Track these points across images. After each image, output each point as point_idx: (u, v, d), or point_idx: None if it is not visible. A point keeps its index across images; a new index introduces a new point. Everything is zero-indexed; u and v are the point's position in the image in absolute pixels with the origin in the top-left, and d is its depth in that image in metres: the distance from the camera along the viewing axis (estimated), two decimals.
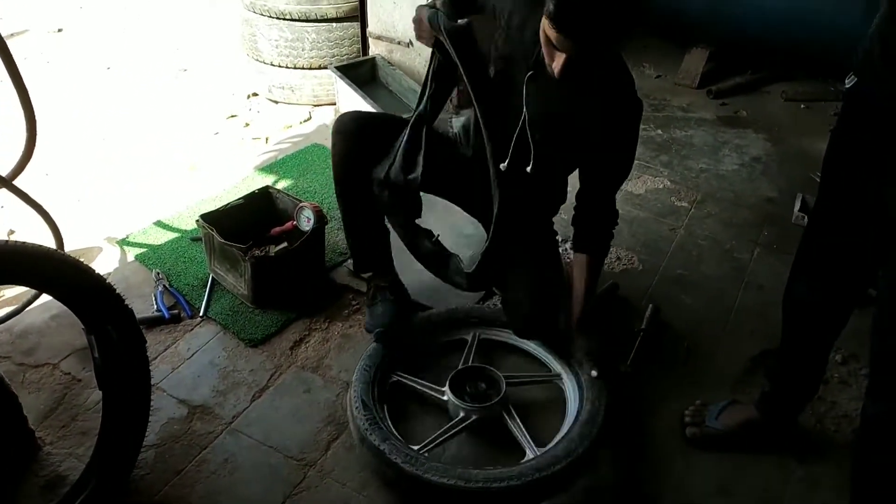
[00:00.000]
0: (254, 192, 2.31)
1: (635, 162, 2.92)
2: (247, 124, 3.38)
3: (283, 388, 1.94)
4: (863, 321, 2.18)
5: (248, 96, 3.62)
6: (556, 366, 1.97)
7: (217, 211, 2.21)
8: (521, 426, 1.79)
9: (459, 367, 1.91)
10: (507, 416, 1.81)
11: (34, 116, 1.73)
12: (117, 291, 1.59)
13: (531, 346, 2.03)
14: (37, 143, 1.78)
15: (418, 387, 1.90)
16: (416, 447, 1.69)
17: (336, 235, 2.48)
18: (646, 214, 2.69)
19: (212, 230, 2.10)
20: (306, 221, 2.21)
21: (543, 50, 1.46)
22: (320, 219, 2.18)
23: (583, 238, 1.92)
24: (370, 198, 1.91)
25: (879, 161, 1.32)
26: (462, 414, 1.80)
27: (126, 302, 1.60)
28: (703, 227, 2.64)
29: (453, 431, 1.77)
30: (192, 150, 3.06)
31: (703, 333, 2.18)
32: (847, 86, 1.37)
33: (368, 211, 1.98)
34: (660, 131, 3.24)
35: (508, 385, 1.86)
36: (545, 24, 1.38)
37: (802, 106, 3.51)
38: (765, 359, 2.11)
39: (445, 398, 1.83)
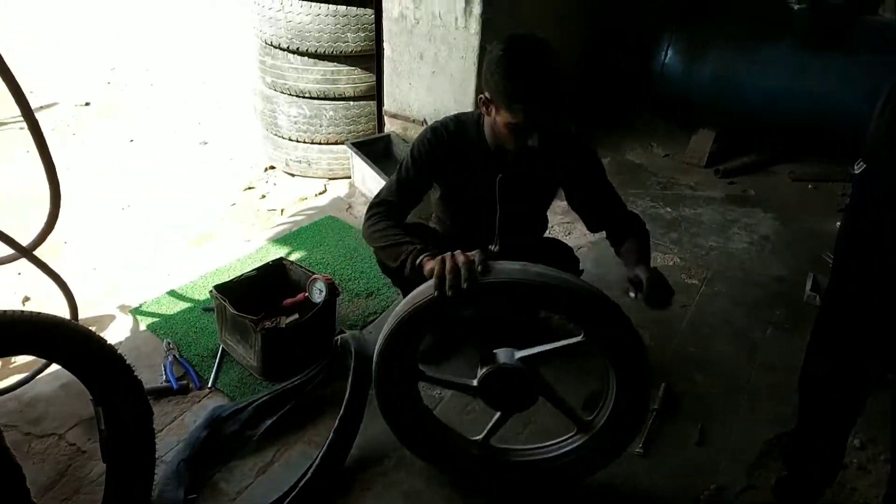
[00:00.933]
0: (267, 263, 2.35)
1: None
2: (263, 196, 3.46)
3: (289, 464, 1.91)
4: (881, 405, 2.16)
5: (266, 169, 3.72)
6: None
7: (230, 282, 2.24)
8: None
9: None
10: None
11: (59, 189, 1.79)
12: (127, 362, 1.60)
13: None
14: (59, 215, 1.83)
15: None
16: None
17: (347, 307, 2.49)
18: None
19: (224, 301, 2.12)
20: (318, 293, 2.23)
21: (510, 139, 1.78)
22: (332, 291, 2.20)
23: (621, 236, 1.96)
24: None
25: (891, 244, 1.34)
26: None
27: (135, 373, 1.60)
28: (714, 305, 2.63)
29: None
30: (209, 220, 3.13)
31: (716, 414, 2.15)
32: (856, 171, 1.40)
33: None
34: (669, 209, 3.28)
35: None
36: (512, 118, 1.70)
37: (810, 186, 3.56)
38: (780, 442, 2.07)
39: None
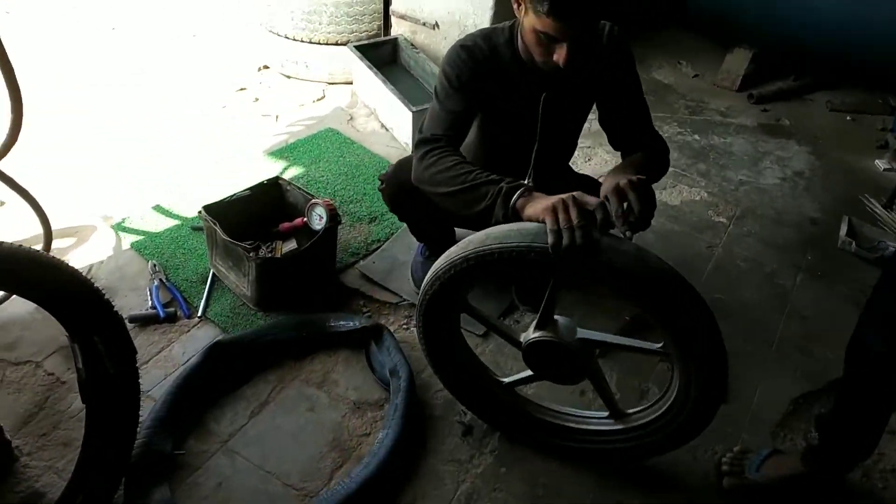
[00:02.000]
0: (262, 182, 2.13)
1: (671, 170, 2.78)
2: (256, 99, 3.18)
3: (285, 405, 1.77)
4: None
5: (259, 69, 3.42)
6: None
7: (221, 202, 2.03)
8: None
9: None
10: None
11: (19, 91, 1.53)
12: (105, 297, 1.42)
13: None
14: (24, 123, 1.59)
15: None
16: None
17: (348, 233, 2.30)
18: (681, 228, 2.50)
19: (215, 224, 1.92)
20: (318, 220, 2.03)
21: (536, 51, 1.50)
22: (333, 217, 2.00)
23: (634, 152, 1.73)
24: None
25: None
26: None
27: (115, 308, 1.42)
28: (743, 247, 2.46)
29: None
30: (199, 125, 2.87)
31: (741, 368, 2.01)
32: None
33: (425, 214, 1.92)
34: (697, 136, 3.04)
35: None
36: (538, 22, 1.42)
37: (848, 118, 3.31)
38: (807, 402, 1.95)
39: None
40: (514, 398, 1.72)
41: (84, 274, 1.37)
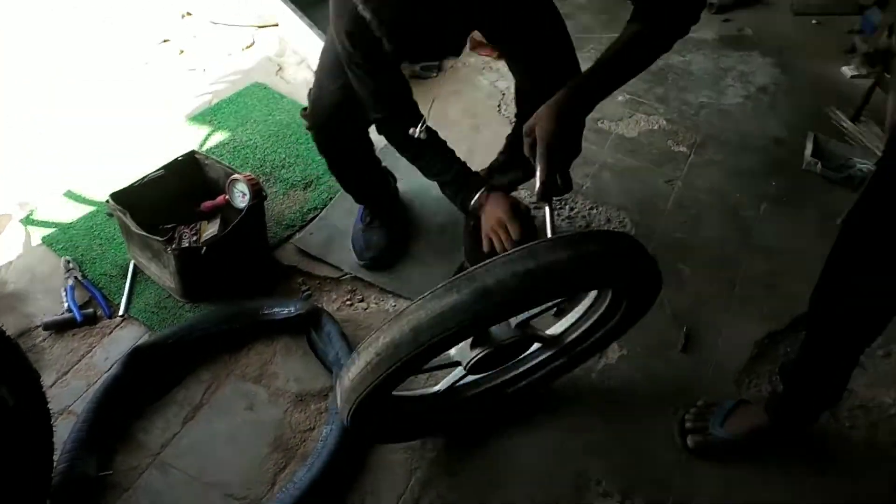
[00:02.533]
0: (177, 159, 1.93)
1: (627, 97, 2.60)
2: (181, 51, 2.92)
3: (221, 406, 1.66)
4: None
5: (183, 16, 3.12)
6: None
7: (132, 186, 1.84)
8: None
9: None
10: None
11: None
12: (13, 340, 1.27)
13: None
14: None
15: None
16: None
17: (282, 203, 2.13)
18: (639, 163, 2.35)
19: (124, 214, 1.74)
20: (241, 197, 1.86)
21: None
22: (257, 194, 1.83)
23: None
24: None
25: None
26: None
27: (5, 330, 1.27)
28: (704, 178, 2.31)
29: None
30: (117, 88, 2.61)
31: (703, 313, 1.91)
32: None
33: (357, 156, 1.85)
34: None
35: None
36: None
37: (814, 21, 3.09)
38: (774, 342, 1.87)
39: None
40: (450, 396, 1.57)
41: None
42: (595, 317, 1.46)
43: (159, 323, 1.79)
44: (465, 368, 1.37)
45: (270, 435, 1.61)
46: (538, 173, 1.26)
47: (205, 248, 1.74)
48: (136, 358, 1.64)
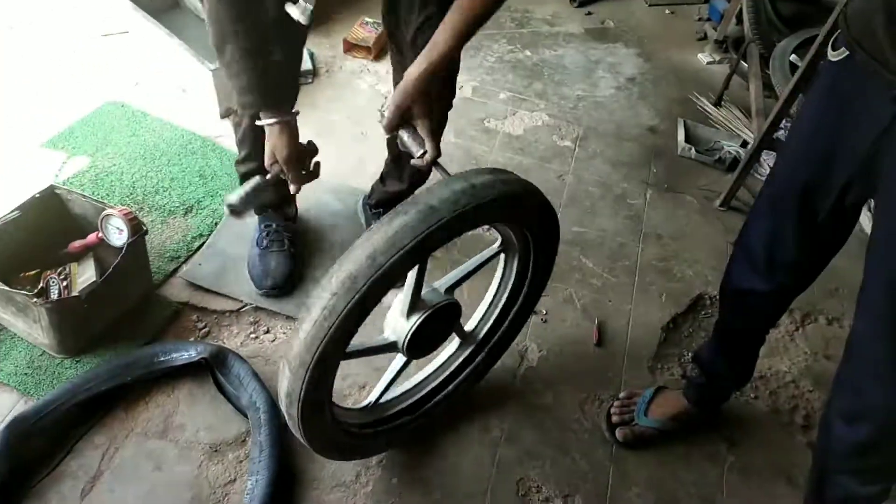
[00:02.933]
0: (34, 196, 1.68)
1: (508, 95, 2.62)
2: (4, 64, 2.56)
3: (123, 471, 1.47)
4: None
5: (11, 28, 2.75)
6: None
7: None
8: None
9: None
10: None
11: None
12: None
13: None
14: None
15: None
16: None
17: (161, 233, 1.93)
18: (529, 161, 2.37)
19: None
20: (117, 234, 1.66)
21: None
22: (136, 229, 1.64)
23: None
24: None
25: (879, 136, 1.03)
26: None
27: None
28: (592, 171, 2.38)
29: None
30: None
31: (610, 304, 1.97)
32: (834, 59, 1.08)
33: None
34: (528, 52, 2.87)
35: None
36: None
37: (668, 11, 3.28)
38: (677, 325, 1.96)
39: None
40: (379, 411, 1.52)
41: None
42: (510, 283, 1.51)
43: (35, 386, 1.56)
44: (402, 349, 1.34)
45: (186, 495, 1.45)
46: (429, 147, 1.23)
47: (84, 296, 1.53)
48: (16, 429, 1.42)
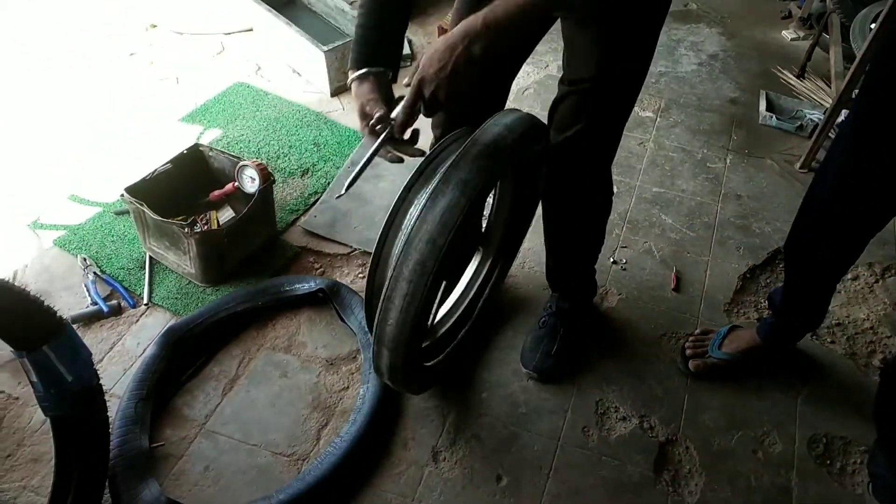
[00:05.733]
0: (182, 152, 2.00)
1: None
2: (151, 63, 2.95)
3: (256, 376, 1.74)
4: None
5: (147, 28, 3.16)
6: None
7: (143, 180, 1.90)
8: None
9: None
10: None
11: None
12: (46, 303, 1.33)
13: None
14: None
15: None
16: None
17: (283, 190, 2.21)
18: None
19: (142, 205, 1.81)
20: (250, 182, 1.94)
21: None
22: (266, 177, 1.92)
23: None
24: None
25: None
26: None
27: (58, 313, 1.34)
28: (672, 138, 2.50)
29: None
30: (95, 100, 2.65)
31: (688, 256, 2.09)
32: None
33: None
34: None
35: None
36: None
37: None
38: (754, 275, 2.05)
39: None
40: (433, 335, 1.67)
41: (10, 281, 1.27)
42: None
43: (184, 308, 1.86)
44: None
45: (308, 397, 1.70)
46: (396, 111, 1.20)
47: (225, 230, 1.82)
48: (171, 336, 1.71)
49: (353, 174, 1.22)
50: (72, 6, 3.26)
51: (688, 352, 1.80)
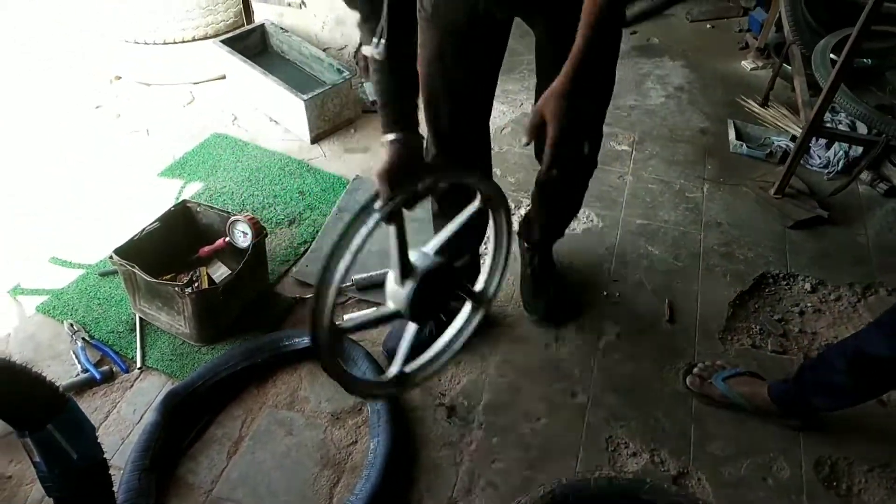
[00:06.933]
0: (170, 210, 1.97)
1: None
2: (118, 115, 2.90)
3: (261, 436, 1.70)
4: (821, 244, 2.24)
5: (112, 81, 3.11)
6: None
7: (132, 241, 1.86)
8: None
9: None
10: None
11: None
12: (48, 379, 1.28)
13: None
14: None
15: None
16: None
17: (271, 241, 2.18)
18: None
19: (133, 268, 1.77)
20: (242, 237, 1.92)
21: None
22: (259, 231, 1.89)
23: None
24: None
25: None
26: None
27: (60, 388, 1.29)
28: (650, 170, 2.57)
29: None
30: (63, 158, 2.57)
31: (678, 286, 2.13)
32: None
33: None
34: None
35: None
36: None
37: (708, 26, 3.48)
38: (743, 301, 2.10)
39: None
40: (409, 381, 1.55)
41: (10, 359, 1.23)
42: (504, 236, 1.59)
43: (179, 369, 1.81)
44: (406, 316, 1.39)
45: (316, 454, 1.66)
46: (547, 154, 1.25)
47: (221, 287, 1.78)
48: (172, 401, 1.66)
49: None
50: (32, 63, 3.20)
51: (695, 370, 1.83)
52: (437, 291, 1.44)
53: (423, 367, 1.58)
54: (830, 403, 1.65)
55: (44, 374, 1.26)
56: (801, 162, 2.46)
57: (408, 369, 1.50)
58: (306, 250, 2.17)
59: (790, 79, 2.71)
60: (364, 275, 2.04)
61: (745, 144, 2.62)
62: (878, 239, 2.32)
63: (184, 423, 1.68)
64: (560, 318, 2.01)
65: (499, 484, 1.63)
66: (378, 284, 1.87)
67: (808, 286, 2.15)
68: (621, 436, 1.74)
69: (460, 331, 1.62)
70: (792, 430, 1.76)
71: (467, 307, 1.62)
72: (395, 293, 1.38)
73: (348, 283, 2.03)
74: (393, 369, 1.48)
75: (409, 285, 1.36)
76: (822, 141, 2.60)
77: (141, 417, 1.70)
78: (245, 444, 1.68)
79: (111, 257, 1.80)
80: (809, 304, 2.10)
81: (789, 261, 2.22)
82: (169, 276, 1.96)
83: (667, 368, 1.90)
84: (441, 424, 1.74)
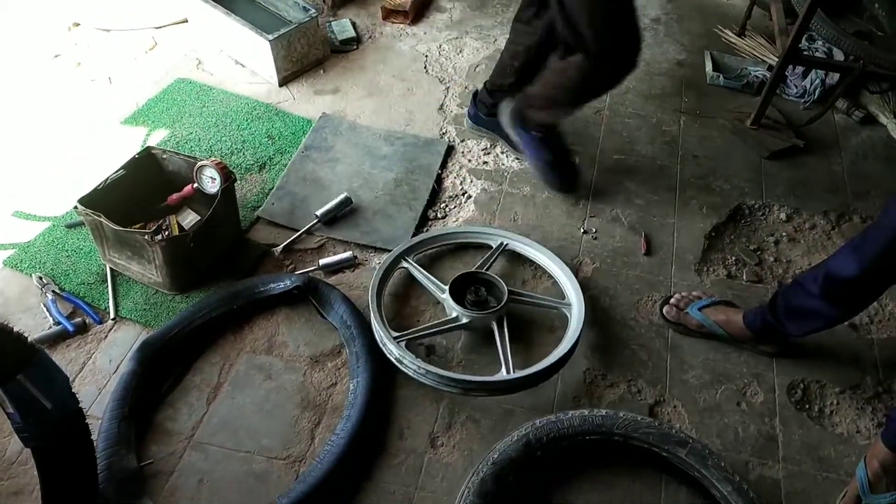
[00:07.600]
0: (134, 157, 1.91)
1: None
2: (78, 64, 2.79)
3: (240, 381, 1.69)
4: (799, 172, 2.23)
5: (70, 28, 2.98)
6: (570, 294, 1.84)
7: (96, 190, 1.80)
8: (507, 343, 1.70)
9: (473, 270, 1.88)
10: (497, 329, 1.73)
11: None
12: (16, 329, 1.25)
13: (556, 270, 1.92)
14: None
15: (423, 278, 1.87)
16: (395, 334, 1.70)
17: (241, 187, 2.14)
18: None
19: (99, 216, 1.72)
20: (210, 182, 1.87)
21: None
22: (227, 176, 1.85)
23: None
24: None
25: None
26: (454, 314, 1.77)
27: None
28: (626, 104, 2.53)
29: (440, 329, 1.77)
30: (24, 110, 2.49)
31: (654, 219, 2.13)
32: None
33: None
34: None
35: (513, 301, 1.79)
36: None
37: None
38: (719, 233, 2.10)
39: (444, 296, 1.79)
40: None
41: None
42: None
43: (154, 319, 1.79)
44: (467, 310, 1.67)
45: (296, 397, 1.66)
46: None
47: (191, 234, 1.75)
48: (147, 349, 1.64)
49: None
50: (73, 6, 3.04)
51: (671, 300, 1.84)
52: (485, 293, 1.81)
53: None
54: (804, 328, 1.66)
55: (11, 326, 1.24)
56: (778, 92, 2.44)
57: None
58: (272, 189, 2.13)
59: (767, 7, 2.66)
60: (325, 207, 2.04)
61: (721, 76, 2.58)
62: (853, 167, 2.32)
63: (161, 372, 1.67)
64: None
65: (479, 418, 1.65)
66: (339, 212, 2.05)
67: (783, 215, 2.15)
68: (598, 367, 1.76)
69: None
70: (767, 356, 1.78)
71: None
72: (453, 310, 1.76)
73: (313, 221, 2.01)
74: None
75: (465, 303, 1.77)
76: (799, 70, 2.57)
77: (117, 368, 1.69)
78: (224, 390, 1.67)
79: (76, 207, 1.75)
80: (784, 234, 2.11)
81: (765, 191, 2.22)
82: (138, 225, 1.91)
83: (643, 301, 1.91)
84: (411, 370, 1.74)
